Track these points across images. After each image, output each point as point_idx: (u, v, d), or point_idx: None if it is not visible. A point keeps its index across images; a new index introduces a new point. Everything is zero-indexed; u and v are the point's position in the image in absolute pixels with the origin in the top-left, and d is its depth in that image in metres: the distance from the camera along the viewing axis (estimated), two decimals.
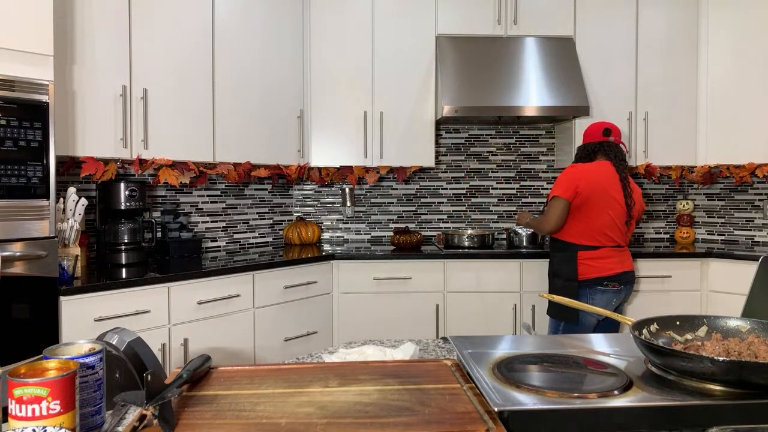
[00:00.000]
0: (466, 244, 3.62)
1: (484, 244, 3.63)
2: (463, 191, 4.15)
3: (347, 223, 4.13)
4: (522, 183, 4.16)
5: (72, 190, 2.63)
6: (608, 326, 2.82)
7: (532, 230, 3.56)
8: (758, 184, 3.88)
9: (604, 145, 2.91)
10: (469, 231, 3.81)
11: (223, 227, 3.71)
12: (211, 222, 3.65)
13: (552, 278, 2.96)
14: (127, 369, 1.14)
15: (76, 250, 2.58)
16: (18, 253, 2.20)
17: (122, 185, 2.95)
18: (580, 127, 3.78)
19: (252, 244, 3.86)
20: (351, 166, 3.82)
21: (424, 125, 3.75)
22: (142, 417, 0.90)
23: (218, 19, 3.19)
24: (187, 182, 3.16)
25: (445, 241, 3.67)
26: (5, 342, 2.18)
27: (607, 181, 2.80)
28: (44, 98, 2.27)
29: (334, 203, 4.12)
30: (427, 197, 4.14)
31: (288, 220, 4.07)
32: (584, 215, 2.78)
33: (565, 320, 2.81)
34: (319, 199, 4.12)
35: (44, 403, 0.83)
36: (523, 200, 4.16)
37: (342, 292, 3.45)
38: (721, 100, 3.72)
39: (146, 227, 3.11)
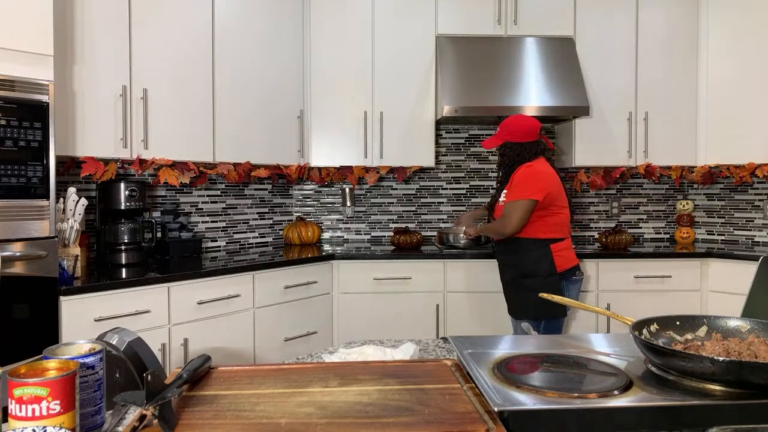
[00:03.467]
0: (462, 243, 3.53)
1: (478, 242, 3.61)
2: (463, 191, 4.15)
3: (347, 223, 4.13)
4: None
5: (72, 190, 2.63)
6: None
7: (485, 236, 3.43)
8: (758, 184, 3.88)
9: (542, 143, 2.86)
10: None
11: (223, 227, 3.71)
12: (211, 222, 3.65)
13: (521, 280, 2.77)
14: (127, 369, 1.14)
15: (76, 250, 2.58)
16: (18, 253, 2.20)
17: (122, 185, 2.95)
18: (580, 127, 3.79)
19: (252, 244, 3.86)
20: (351, 166, 3.82)
21: (424, 125, 3.75)
22: (142, 417, 0.90)
23: (218, 19, 3.19)
24: (187, 182, 3.16)
25: (439, 239, 3.60)
26: (5, 342, 2.18)
27: (559, 180, 2.82)
28: (44, 98, 2.27)
29: (334, 203, 4.12)
30: (427, 197, 4.14)
31: (288, 220, 4.07)
32: (550, 212, 2.75)
33: (552, 316, 2.73)
34: (319, 199, 4.12)
35: (44, 403, 0.83)
36: None
37: (342, 292, 3.45)
38: (721, 100, 3.72)
39: (146, 227, 3.11)
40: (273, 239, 3.98)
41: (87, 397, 0.93)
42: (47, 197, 2.29)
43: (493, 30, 3.73)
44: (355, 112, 3.72)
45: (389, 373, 1.09)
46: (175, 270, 2.82)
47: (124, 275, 2.71)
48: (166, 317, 2.64)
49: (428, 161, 3.79)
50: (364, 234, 4.13)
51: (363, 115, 3.71)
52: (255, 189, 3.88)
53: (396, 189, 4.13)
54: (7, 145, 2.18)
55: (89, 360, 0.94)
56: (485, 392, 0.94)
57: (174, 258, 3.24)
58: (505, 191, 2.82)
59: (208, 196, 3.62)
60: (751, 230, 3.92)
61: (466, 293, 3.44)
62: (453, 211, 4.15)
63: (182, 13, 3.03)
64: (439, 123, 3.94)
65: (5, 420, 0.85)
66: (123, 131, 2.79)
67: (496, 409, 0.88)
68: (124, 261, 2.97)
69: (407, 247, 3.72)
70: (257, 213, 3.90)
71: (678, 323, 1.17)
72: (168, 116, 2.98)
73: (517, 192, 2.73)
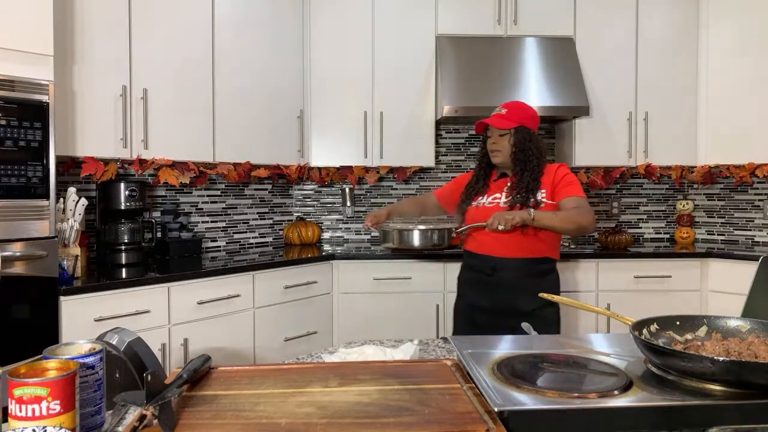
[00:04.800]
0: (417, 244, 2.49)
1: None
2: None
3: (347, 223, 4.13)
4: None
5: (72, 190, 2.63)
6: None
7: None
8: (758, 184, 3.88)
9: None
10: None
11: (223, 227, 3.70)
12: (211, 222, 3.64)
13: (540, 310, 2.12)
14: (127, 369, 1.14)
15: (76, 250, 2.58)
16: (18, 253, 2.20)
17: (122, 185, 2.95)
18: (580, 127, 3.78)
19: (252, 244, 3.86)
20: (351, 166, 3.82)
21: (424, 125, 3.75)
22: (142, 417, 0.90)
23: (218, 19, 3.19)
24: (187, 182, 3.16)
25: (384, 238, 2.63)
26: (5, 342, 2.18)
27: None
28: (44, 98, 2.27)
29: (334, 203, 4.12)
30: None
31: (288, 220, 4.07)
32: None
33: None
34: (319, 199, 4.12)
35: (44, 403, 0.83)
36: None
37: (342, 292, 3.45)
38: (721, 100, 3.72)
39: (146, 227, 3.11)
40: (273, 239, 3.98)
41: (87, 397, 0.93)
42: (47, 197, 2.29)
43: (493, 30, 3.73)
44: (355, 112, 3.71)
45: (389, 373, 1.09)
46: (175, 270, 2.82)
47: (124, 275, 2.72)
48: (166, 317, 2.64)
49: (428, 161, 3.79)
50: (364, 234, 4.13)
51: (363, 115, 3.71)
52: (255, 189, 3.87)
53: (396, 189, 4.13)
54: (7, 145, 2.18)
55: (89, 360, 0.94)
56: (485, 392, 0.94)
57: (174, 258, 3.24)
58: (543, 191, 2.22)
59: (208, 196, 3.62)
60: (751, 230, 3.92)
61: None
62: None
63: (182, 13, 3.03)
64: (439, 123, 3.94)
65: (5, 420, 0.85)
66: (123, 131, 2.79)
67: (496, 409, 0.88)
68: (124, 261, 2.97)
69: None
70: (257, 213, 3.90)
71: (678, 323, 1.17)
72: (168, 116, 2.97)
73: (578, 189, 2.21)
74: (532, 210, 2.11)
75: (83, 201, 2.64)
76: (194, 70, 3.09)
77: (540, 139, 2.35)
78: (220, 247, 3.68)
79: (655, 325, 1.16)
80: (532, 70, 3.63)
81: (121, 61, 2.78)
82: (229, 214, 3.74)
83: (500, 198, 2.29)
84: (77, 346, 0.98)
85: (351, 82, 3.71)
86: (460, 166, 4.13)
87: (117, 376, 1.14)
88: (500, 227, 2.05)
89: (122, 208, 2.96)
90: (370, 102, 3.72)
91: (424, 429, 0.85)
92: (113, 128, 2.76)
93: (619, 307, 3.40)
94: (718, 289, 3.46)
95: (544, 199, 2.21)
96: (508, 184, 2.29)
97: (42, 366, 0.90)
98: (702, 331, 1.16)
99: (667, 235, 4.21)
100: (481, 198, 2.35)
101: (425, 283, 3.43)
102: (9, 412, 0.84)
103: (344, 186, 4.04)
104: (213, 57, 3.17)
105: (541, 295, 1.48)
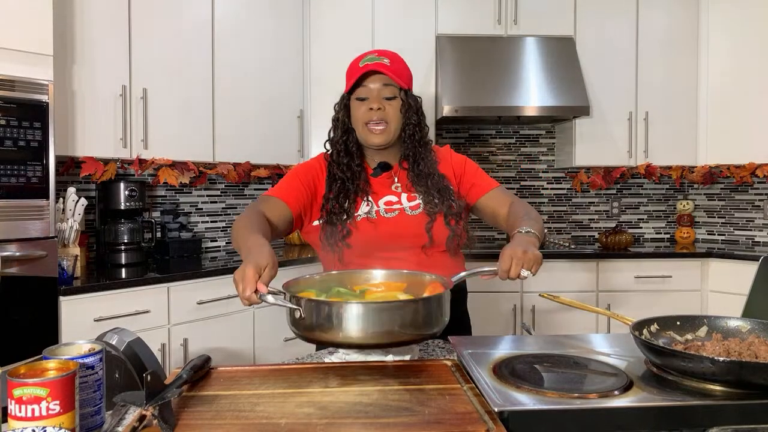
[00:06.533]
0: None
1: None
2: None
3: None
4: (522, 183, 4.15)
5: (72, 190, 2.63)
6: None
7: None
8: (758, 184, 3.88)
9: None
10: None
11: (223, 227, 3.70)
12: (211, 222, 3.64)
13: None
14: (127, 369, 1.14)
15: (75, 250, 2.58)
16: (18, 253, 2.20)
17: (122, 185, 2.95)
18: (580, 127, 3.78)
19: None
20: None
21: None
22: (142, 417, 0.90)
23: (218, 19, 3.19)
24: (187, 182, 3.16)
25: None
26: (5, 342, 2.18)
27: None
28: (44, 98, 2.27)
29: None
30: None
31: None
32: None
33: None
34: None
35: (44, 404, 0.83)
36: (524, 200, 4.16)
37: None
38: (721, 99, 3.72)
39: (146, 227, 3.11)
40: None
41: (87, 398, 0.93)
42: (47, 197, 2.29)
43: (493, 30, 3.73)
44: None
45: (389, 373, 1.09)
46: (175, 270, 2.82)
47: (123, 275, 2.72)
48: (165, 317, 2.64)
49: None
50: None
51: None
52: (255, 189, 3.87)
53: None
54: (7, 145, 2.18)
55: (89, 360, 0.94)
56: (485, 392, 0.94)
57: (174, 258, 3.24)
58: (454, 188, 1.62)
59: (207, 196, 3.62)
60: (751, 230, 3.92)
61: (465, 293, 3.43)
62: None
63: (182, 13, 3.03)
64: (439, 123, 3.94)
65: (5, 420, 0.85)
66: (123, 131, 2.78)
67: (496, 410, 0.88)
68: (123, 261, 2.97)
69: None
70: None
71: (678, 323, 1.17)
72: (168, 116, 2.97)
73: (490, 179, 1.68)
74: (527, 227, 1.38)
75: (83, 201, 2.64)
76: (194, 70, 3.09)
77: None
78: (219, 247, 3.68)
79: (656, 326, 1.15)
80: (532, 70, 3.63)
81: (121, 61, 2.78)
82: (229, 214, 3.73)
83: (400, 201, 1.56)
84: (77, 346, 0.98)
85: None
86: None
87: (117, 376, 1.14)
88: (524, 274, 1.24)
89: (122, 208, 2.96)
90: None
91: (424, 429, 0.85)
92: (113, 128, 2.76)
93: (619, 307, 3.40)
94: (718, 289, 3.46)
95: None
96: (396, 180, 1.60)
97: (42, 366, 0.90)
98: (702, 331, 1.15)
99: (668, 235, 4.21)
100: (364, 204, 1.55)
101: None
102: (8, 412, 0.84)
103: None
104: (213, 57, 3.17)
105: (541, 294, 1.46)
